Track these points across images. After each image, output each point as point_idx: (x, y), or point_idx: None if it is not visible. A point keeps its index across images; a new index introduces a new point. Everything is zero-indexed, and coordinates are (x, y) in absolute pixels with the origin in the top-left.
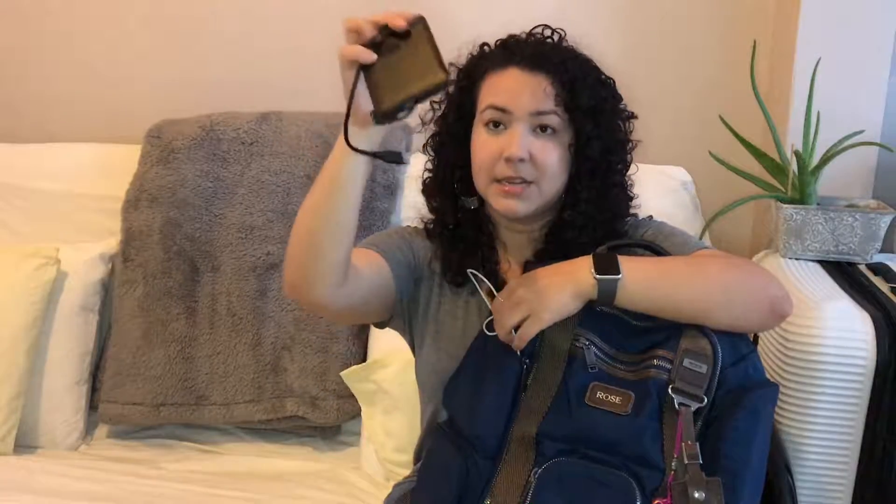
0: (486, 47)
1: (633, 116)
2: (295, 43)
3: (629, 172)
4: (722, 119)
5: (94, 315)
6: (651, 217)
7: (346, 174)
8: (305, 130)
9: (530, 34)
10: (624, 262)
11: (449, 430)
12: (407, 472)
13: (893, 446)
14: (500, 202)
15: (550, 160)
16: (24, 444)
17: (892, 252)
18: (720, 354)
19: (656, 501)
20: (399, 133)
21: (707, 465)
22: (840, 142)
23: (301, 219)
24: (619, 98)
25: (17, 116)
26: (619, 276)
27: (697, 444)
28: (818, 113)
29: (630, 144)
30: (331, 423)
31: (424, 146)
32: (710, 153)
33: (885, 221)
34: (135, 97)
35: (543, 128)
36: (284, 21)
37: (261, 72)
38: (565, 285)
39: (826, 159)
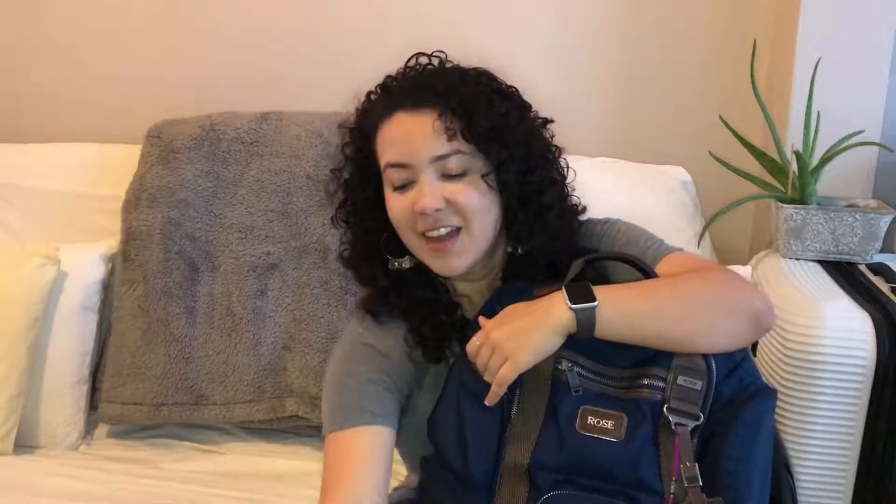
0: (371, 96)
1: (548, 121)
2: (295, 43)
3: (567, 180)
4: (722, 119)
5: (94, 315)
6: (585, 209)
7: None
8: (305, 130)
9: (406, 68)
10: (598, 289)
11: (438, 465)
12: (406, 471)
13: (893, 446)
14: (435, 263)
15: (471, 201)
16: (24, 444)
17: (892, 252)
18: (714, 368)
19: None
20: None
21: (707, 484)
22: (840, 142)
23: None
24: (525, 106)
25: (17, 116)
26: (596, 303)
27: (696, 464)
28: (818, 113)
29: (552, 153)
30: None
31: (332, 219)
32: (710, 153)
33: (885, 221)
34: (135, 97)
35: (449, 173)
36: (285, 21)
37: (261, 72)
38: (542, 323)
39: (826, 159)
